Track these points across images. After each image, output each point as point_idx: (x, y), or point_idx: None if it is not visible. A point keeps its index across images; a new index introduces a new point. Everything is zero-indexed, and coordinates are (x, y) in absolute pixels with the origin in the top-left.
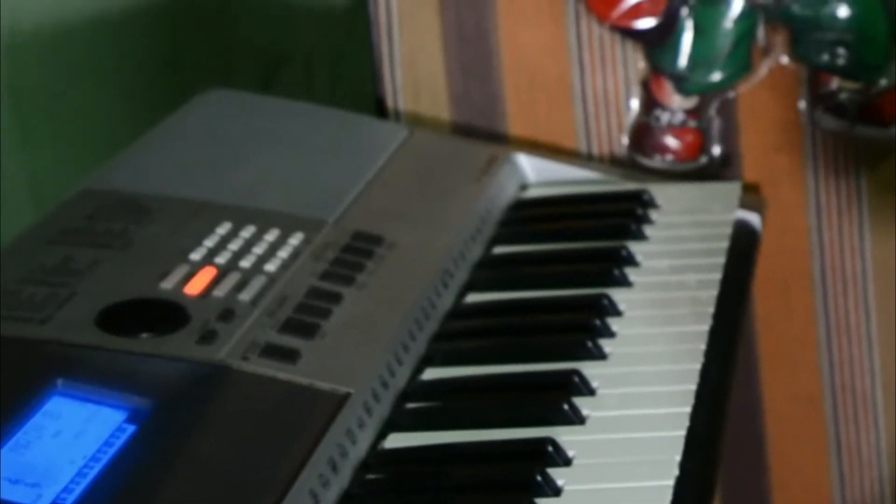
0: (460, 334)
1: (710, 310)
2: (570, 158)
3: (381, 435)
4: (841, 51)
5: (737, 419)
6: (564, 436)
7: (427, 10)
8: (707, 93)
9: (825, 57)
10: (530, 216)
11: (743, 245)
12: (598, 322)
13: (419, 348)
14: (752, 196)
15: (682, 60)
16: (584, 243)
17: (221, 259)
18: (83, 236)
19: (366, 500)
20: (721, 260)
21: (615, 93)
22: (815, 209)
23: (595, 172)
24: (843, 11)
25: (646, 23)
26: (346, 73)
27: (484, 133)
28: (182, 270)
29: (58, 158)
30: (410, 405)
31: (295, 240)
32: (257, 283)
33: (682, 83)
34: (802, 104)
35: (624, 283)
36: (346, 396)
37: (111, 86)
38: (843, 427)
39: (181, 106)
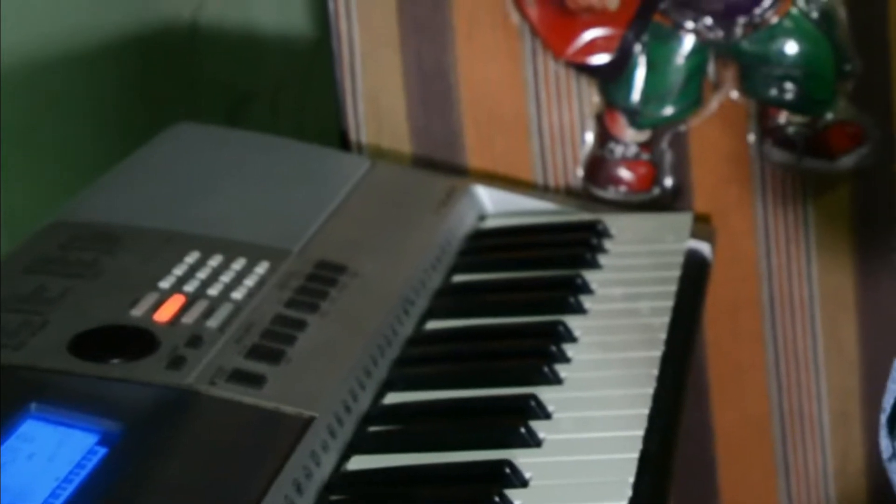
0: (421, 360)
1: (662, 336)
2: (527, 190)
3: (345, 457)
4: (789, 86)
5: (688, 442)
6: (521, 458)
7: (389, 47)
8: (659, 126)
9: (773, 92)
10: (488, 245)
11: (694, 273)
12: (554, 348)
13: (381, 373)
14: (702, 226)
15: (636, 95)
16: (540, 272)
17: (190, 287)
18: (56, 265)
19: None
20: (673, 288)
21: (570, 126)
22: (764, 238)
23: (551, 203)
24: (790, 48)
25: (600, 59)
26: (310, 108)
27: (444, 165)
28: (152, 298)
29: (32, 190)
30: (372, 428)
31: (261, 268)
32: (224, 311)
33: (635, 117)
34: (751, 137)
35: (579, 310)
36: (311, 420)
37: (84, 120)
38: (791, 449)
39: (151, 139)
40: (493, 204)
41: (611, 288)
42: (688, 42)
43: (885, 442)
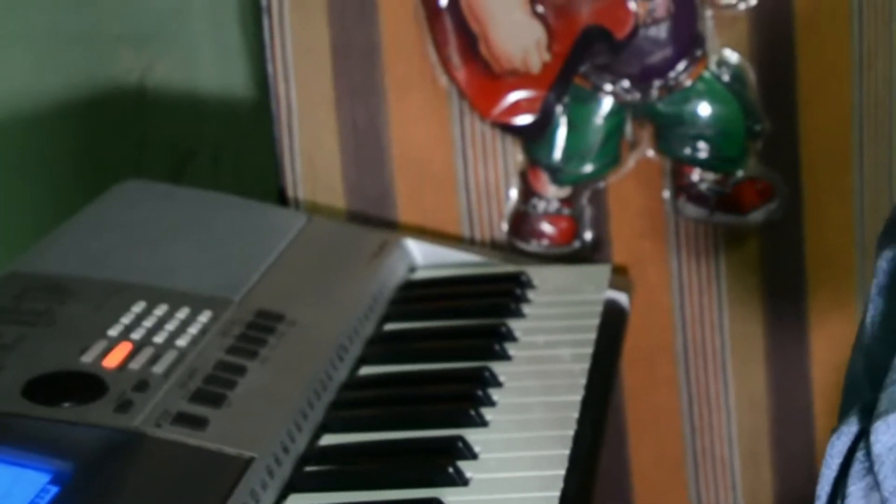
0: (355, 403)
1: (583, 381)
2: (455, 243)
3: (283, 496)
4: (702, 145)
5: (606, 481)
6: (450, 496)
7: (324, 108)
8: (579, 183)
9: (687, 150)
10: (418, 296)
11: (612, 322)
12: (480, 392)
13: (317, 416)
14: (620, 277)
15: (557, 154)
16: (467, 320)
17: (137, 335)
18: (11, 315)
19: None
20: (592, 336)
21: (496, 183)
22: (678, 289)
23: (477, 256)
24: (703, 109)
25: (524, 119)
26: (250, 166)
27: (376, 220)
28: (101, 345)
29: None
30: (309, 468)
31: (204, 317)
32: (169, 357)
33: (556, 174)
34: (666, 194)
35: (504, 356)
36: (251, 460)
37: (37, 177)
38: (704, 489)
39: (100, 195)
40: (423, 256)
41: (534, 336)
42: (606, 104)
43: None
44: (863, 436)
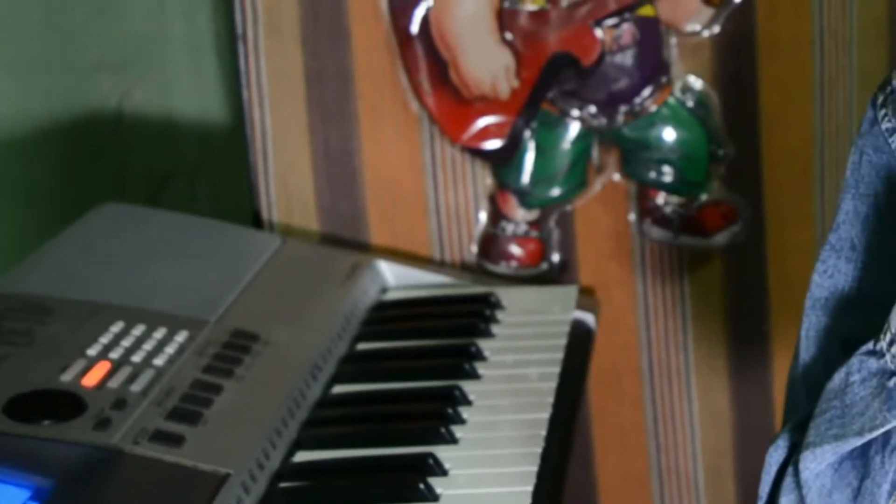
0: (328, 421)
1: (550, 399)
2: (426, 265)
3: None
4: (666, 169)
5: (573, 497)
6: None
7: (298, 132)
8: (547, 206)
9: (652, 174)
10: (390, 316)
11: (579, 342)
12: (450, 410)
13: (291, 434)
14: (587, 298)
15: (525, 177)
16: (437, 340)
17: (115, 354)
18: None
19: None
20: (560, 355)
21: (465, 206)
22: (644, 310)
23: (447, 277)
24: (668, 134)
25: (493, 144)
26: (225, 189)
27: (349, 242)
28: (80, 364)
29: None
30: (283, 485)
31: (180, 337)
32: (147, 376)
33: (525, 198)
34: (632, 216)
35: (473, 375)
36: (226, 477)
37: (17, 200)
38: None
39: (79, 218)
40: (395, 277)
41: (502, 355)
42: (573, 129)
43: None
44: (794, 450)
